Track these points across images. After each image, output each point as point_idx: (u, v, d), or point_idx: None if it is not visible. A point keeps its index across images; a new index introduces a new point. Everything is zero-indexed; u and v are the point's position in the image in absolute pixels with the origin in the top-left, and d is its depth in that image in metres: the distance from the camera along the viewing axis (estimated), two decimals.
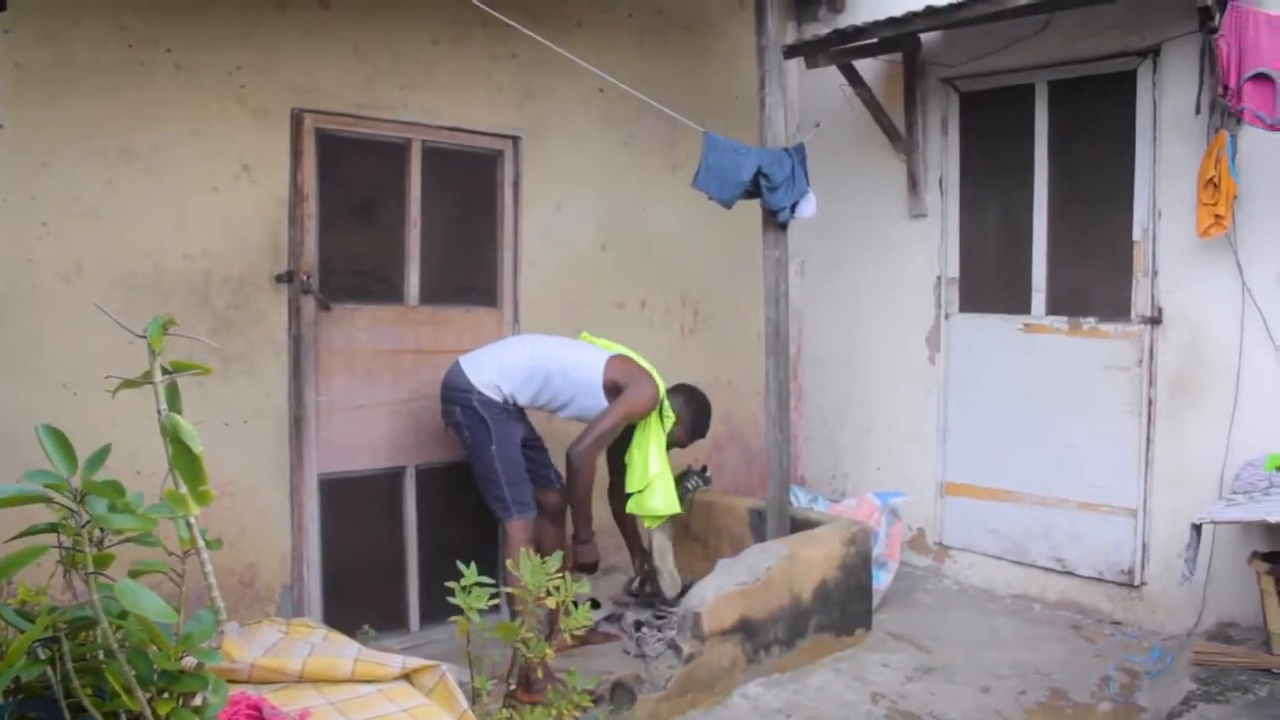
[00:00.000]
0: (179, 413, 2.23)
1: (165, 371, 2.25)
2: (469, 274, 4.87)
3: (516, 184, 4.92)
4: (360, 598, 4.47)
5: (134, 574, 2.29)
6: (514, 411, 4.33)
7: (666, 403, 4.62)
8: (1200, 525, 4.02)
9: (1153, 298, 4.77)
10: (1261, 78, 4.02)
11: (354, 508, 4.50)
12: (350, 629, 4.13)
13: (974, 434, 5.44)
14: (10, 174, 3.65)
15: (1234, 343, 4.53)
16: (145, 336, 2.22)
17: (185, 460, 2.09)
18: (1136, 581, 4.86)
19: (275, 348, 4.24)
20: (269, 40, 4.18)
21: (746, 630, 4.17)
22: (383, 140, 4.53)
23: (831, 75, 5.53)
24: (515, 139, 4.91)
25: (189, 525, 2.17)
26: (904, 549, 5.63)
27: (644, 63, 5.28)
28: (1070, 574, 5.09)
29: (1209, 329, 4.62)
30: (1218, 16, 4.17)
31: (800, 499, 5.31)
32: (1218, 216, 4.39)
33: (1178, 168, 4.64)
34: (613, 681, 4.05)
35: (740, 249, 5.20)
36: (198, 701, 2.19)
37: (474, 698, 2.85)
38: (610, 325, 5.25)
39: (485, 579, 2.89)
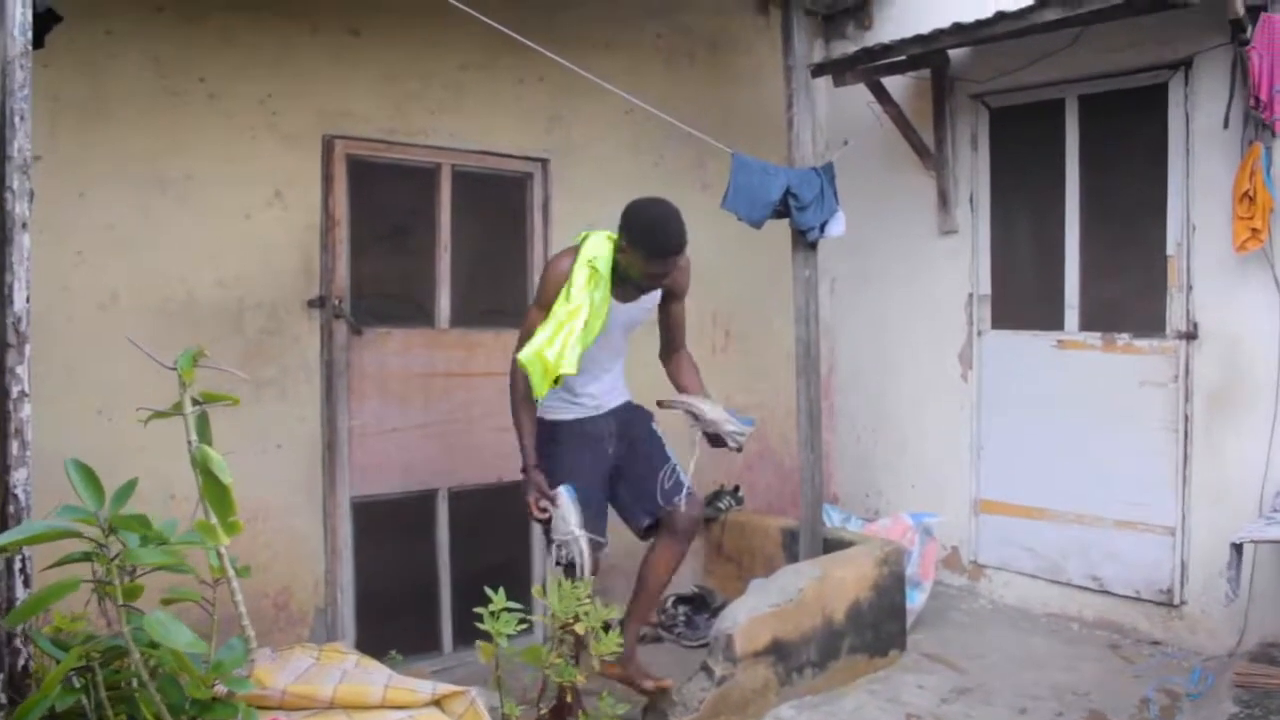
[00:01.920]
0: (209, 443, 2.27)
1: (195, 403, 2.29)
2: (499, 296, 4.90)
3: (546, 206, 4.95)
4: (393, 620, 4.49)
5: (166, 602, 2.33)
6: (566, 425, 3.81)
7: (594, 241, 3.71)
8: (1241, 545, 3.96)
9: (1188, 313, 4.71)
10: None
11: (387, 530, 4.53)
12: (383, 651, 4.15)
13: (1008, 451, 5.39)
14: (47, 204, 3.67)
15: (1273, 357, 4.45)
16: (176, 369, 2.25)
17: (215, 491, 2.12)
18: (1175, 601, 4.79)
19: (308, 372, 4.28)
20: (300, 67, 4.23)
21: (779, 652, 4.15)
22: (413, 165, 4.57)
23: (860, 92, 5.52)
24: (544, 161, 4.94)
25: (219, 555, 2.20)
26: (938, 568, 5.58)
27: (672, 83, 5.30)
28: (1107, 593, 5.02)
29: (1247, 344, 4.55)
30: (1250, 28, 4.13)
31: (833, 518, 5.28)
32: (1254, 230, 4.34)
33: (1211, 181, 4.58)
34: (644, 705, 4.05)
35: (772, 268, 5.19)
36: None
37: None
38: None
39: (513, 604, 2.90)
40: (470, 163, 4.71)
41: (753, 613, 4.11)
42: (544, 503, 3.64)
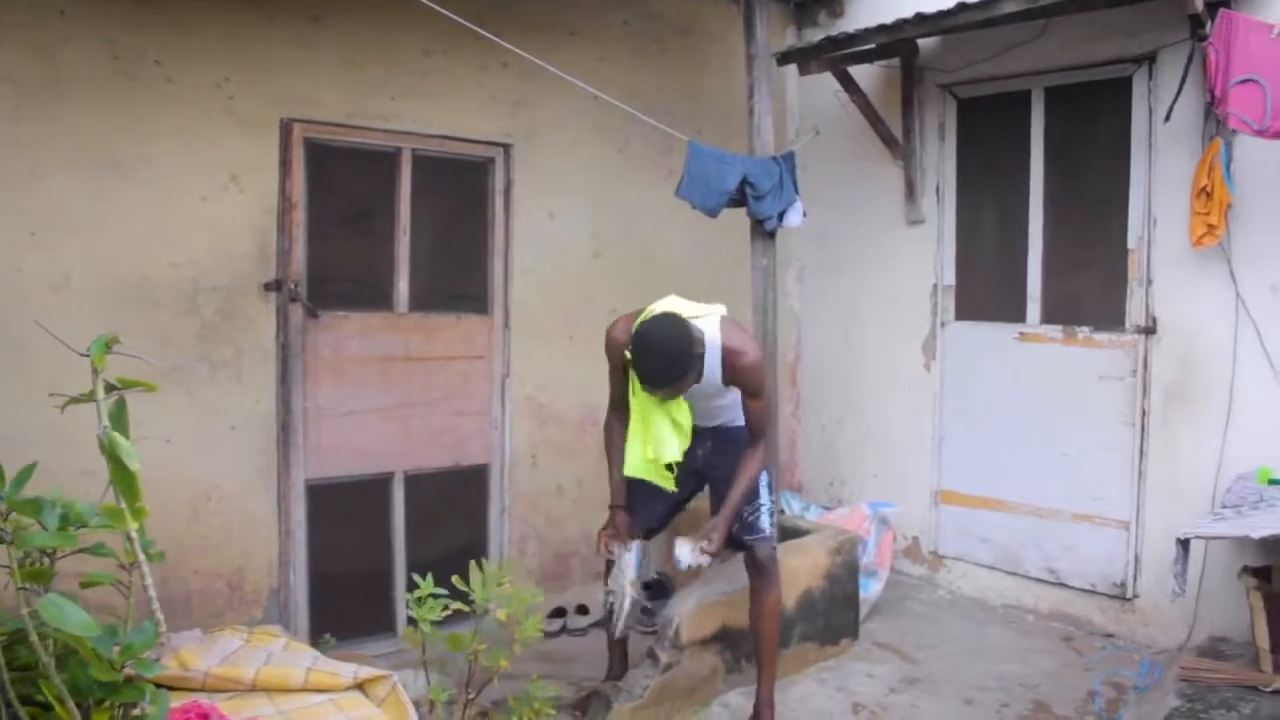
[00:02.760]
0: (126, 428, 2.28)
1: (111, 388, 2.30)
2: (460, 281, 4.91)
3: (508, 191, 4.95)
4: (347, 603, 4.53)
5: (84, 585, 2.36)
6: None
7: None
8: (1188, 540, 3.97)
9: (1147, 307, 4.72)
10: (1250, 83, 3.97)
11: (342, 513, 4.56)
12: (337, 634, 4.21)
13: (969, 442, 5.40)
14: (0, 184, 3.74)
15: (1228, 353, 4.47)
16: (88, 355, 2.27)
17: (123, 477, 2.14)
18: (1129, 594, 4.81)
19: (264, 354, 4.30)
20: (259, 52, 4.23)
21: (727, 639, 4.17)
22: (373, 149, 4.57)
23: (830, 82, 5.51)
24: (507, 147, 4.94)
25: (130, 539, 2.22)
26: (898, 557, 5.62)
27: (639, 70, 5.29)
28: (1063, 585, 5.04)
29: (1203, 339, 4.56)
30: (1209, 24, 4.12)
31: (793, 507, 5.31)
32: (1210, 226, 4.34)
33: (1174, 176, 4.58)
34: (589, 691, 4.08)
35: (738, 257, 5.16)
36: (138, 712, 2.24)
37: (430, 707, 2.88)
38: (603, 333, 5.26)
39: (439, 590, 2.93)
40: (431, 147, 4.71)
41: (701, 600, 4.14)
42: (613, 545, 3.75)
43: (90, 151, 3.90)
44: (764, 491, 3.89)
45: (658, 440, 3.55)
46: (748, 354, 3.49)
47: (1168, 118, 4.47)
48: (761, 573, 3.86)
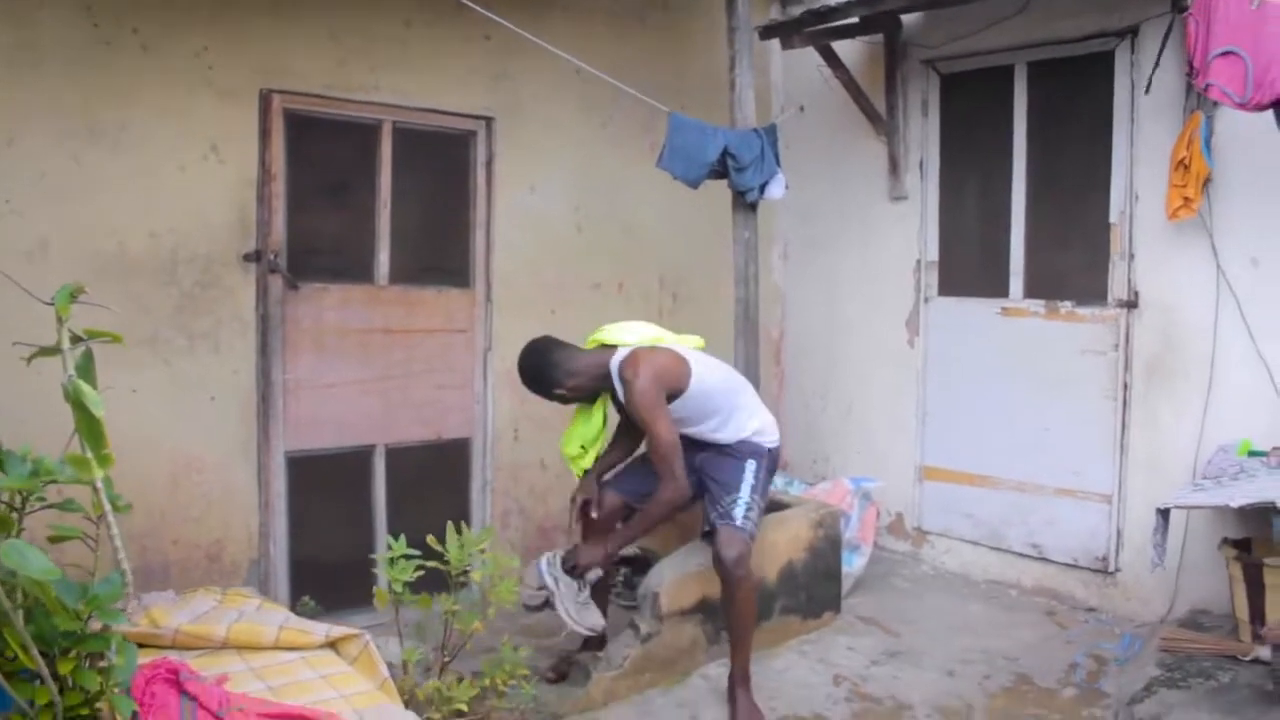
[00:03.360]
0: (93, 380, 2.26)
1: (76, 339, 2.29)
2: (441, 254, 4.90)
3: (490, 165, 4.93)
4: (328, 575, 4.51)
5: (53, 539, 2.34)
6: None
7: None
8: (1167, 510, 3.97)
9: (1129, 281, 4.72)
10: (1231, 55, 3.96)
11: (323, 485, 4.55)
12: (316, 605, 4.18)
13: (952, 418, 5.40)
14: None
15: (1208, 327, 4.47)
16: (53, 304, 2.25)
17: (88, 424, 2.12)
18: (1111, 568, 4.82)
19: (243, 325, 4.28)
20: (238, 22, 4.20)
21: (707, 611, 4.17)
22: (353, 121, 4.55)
23: (813, 58, 5.51)
24: (489, 120, 4.92)
25: (96, 489, 2.21)
26: (882, 534, 5.62)
27: (622, 45, 5.27)
28: (1046, 560, 5.05)
29: (1184, 313, 4.56)
30: None
31: (776, 483, 5.29)
32: (1187, 199, 4.35)
33: (1155, 150, 4.57)
34: (564, 654, 4.09)
35: (721, 232, 5.16)
36: (105, 663, 2.23)
37: (404, 668, 2.87)
38: (587, 307, 5.26)
39: (413, 551, 2.92)
40: (413, 119, 4.68)
41: (680, 571, 4.13)
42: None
43: (67, 119, 3.87)
44: (746, 488, 3.90)
45: (569, 434, 4.14)
46: (631, 384, 3.72)
47: (1147, 89, 4.48)
48: (720, 563, 3.73)
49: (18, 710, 2.11)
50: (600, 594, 4.09)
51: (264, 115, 4.28)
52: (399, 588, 2.84)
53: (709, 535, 3.89)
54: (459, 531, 3.11)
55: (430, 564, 2.96)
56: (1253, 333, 4.35)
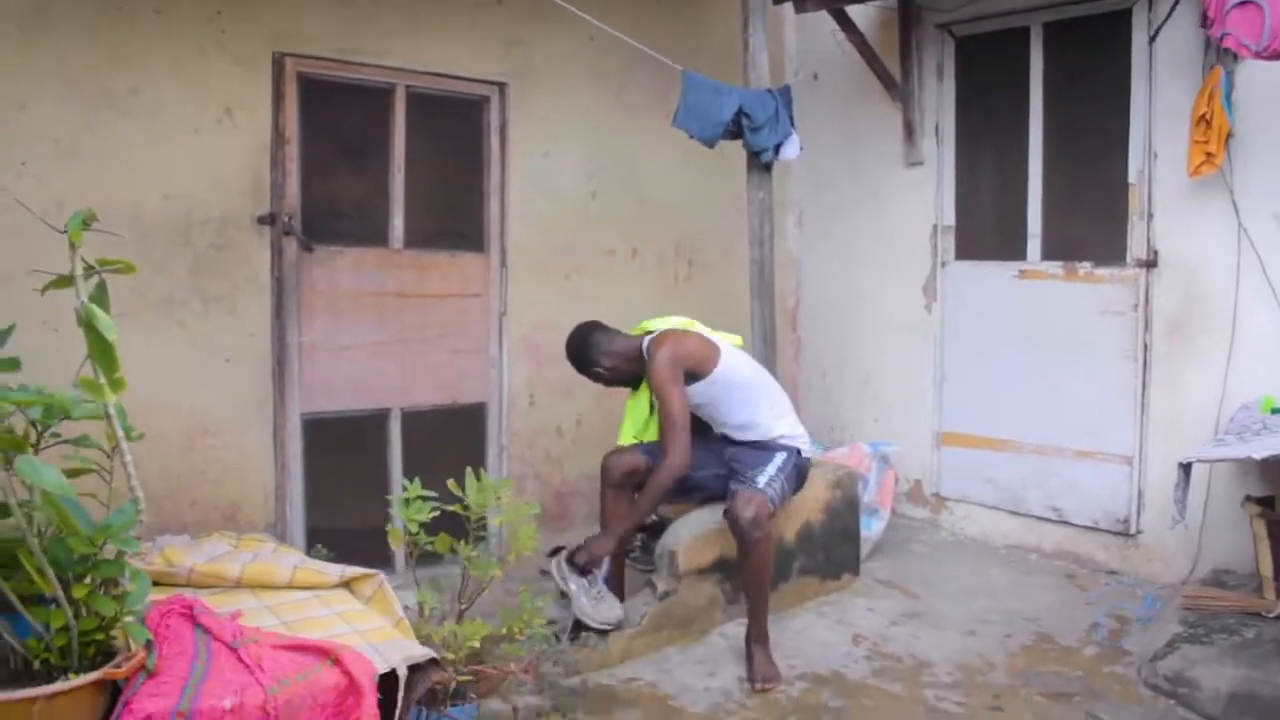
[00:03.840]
0: (107, 308, 2.27)
1: (89, 268, 2.29)
2: (455, 219, 4.90)
3: (503, 131, 4.92)
4: (345, 537, 4.47)
5: (69, 473, 2.34)
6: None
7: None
8: (1189, 465, 3.94)
9: (1148, 241, 4.67)
10: (1249, 5, 3.91)
11: (338, 448, 4.55)
12: (330, 555, 4.18)
13: (970, 383, 5.36)
14: None
15: (1230, 285, 4.42)
16: (65, 231, 2.26)
17: (100, 348, 2.12)
18: (1132, 530, 4.77)
19: (258, 288, 4.28)
20: None
21: (725, 570, 4.16)
22: (366, 85, 4.55)
23: (827, 22, 5.47)
24: (502, 86, 4.91)
25: (108, 415, 2.21)
26: (900, 501, 5.59)
27: (637, 11, 5.24)
28: (1066, 523, 5.01)
29: (1205, 271, 4.51)
30: None
31: None
32: (1209, 154, 4.29)
33: (1174, 108, 4.53)
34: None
35: (736, 200, 5.13)
36: (118, 591, 2.23)
37: (420, 610, 2.87)
38: (601, 273, 5.26)
39: (429, 493, 2.91)
40: (426, 84, 4.68)
41: (698, 530, 4.12)
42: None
43: (79, 83, 3.88)
44: (773, 467, 3.94)
45: (623, 428, 4.31)
46: (653, 356, 3.91)
47: (1153, 38, 4.42)
48: (736, 522, 3.75)
49: (34, 634, 2.12)
50: (616, 561, 4.10)
51: (277, 79, 4.28)
52: (414, 528, 2.83)
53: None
54: (478, 478, 3.10)
55: (448, 507, 2.95)
56: (1275, 288, 4.30)
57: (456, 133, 4.89)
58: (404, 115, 4.62)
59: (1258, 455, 3.75)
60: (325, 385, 4.45)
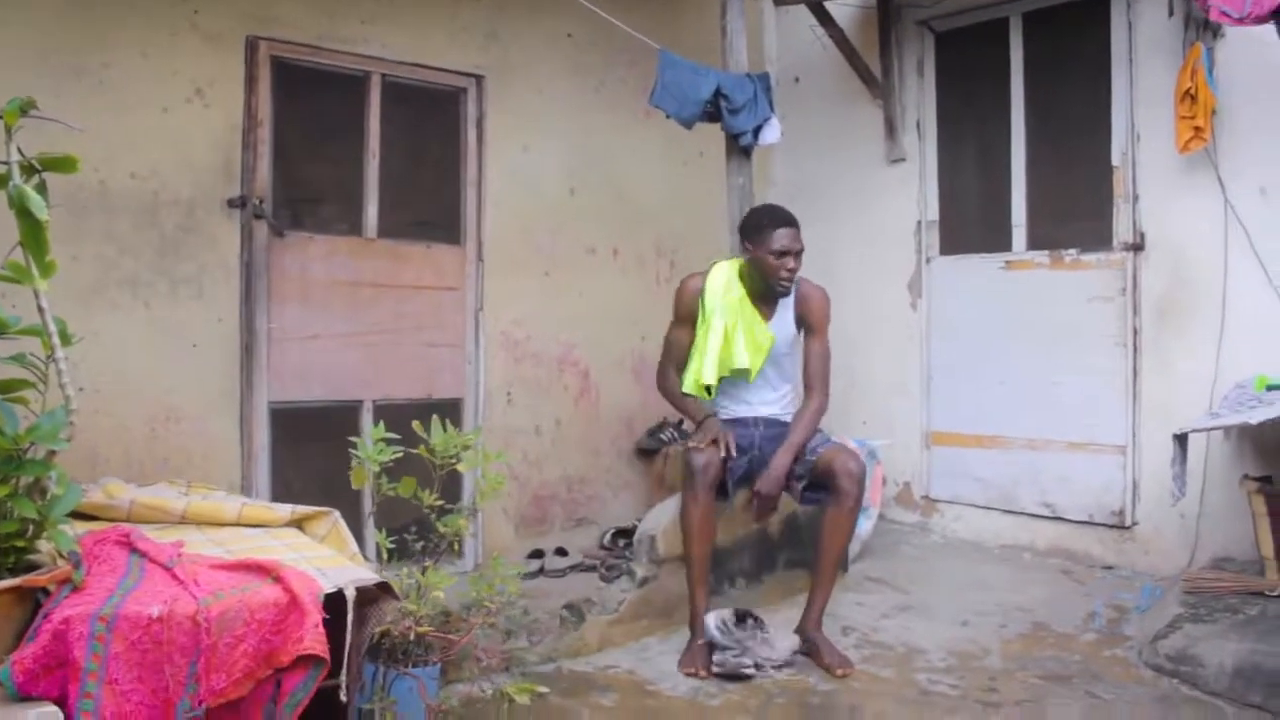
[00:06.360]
0: (45, 196, 2.17)
1: (31, 167, 2.20)
2: (430, 210, 4.81)
3: (480, 124, 4.87)
4: None
5: (4, 389, 2.22)
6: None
7: (720, 269, 4.01)
8: (1184, 436, 3.83)
9: (1134, 223, 4.61)
10: None
11: (308, 439, 4.40)
12: None
13: (958, 380, 5.26)
14: None
15: (1218, 262, 4.36)
16: None
17: (31, 231, 2.02)
18: (1128, 522, 4.64)
19: (226, 272, 4.18)
20: None
21: (710, 556, 3.99)
22: (342, 71, 4.49)
23: (806, 17, 5.48)
24: (479, 78, 4.86)
25: (40, 305, 2.10)
26: (889, 504, 5.44)
27: (614, 9, 5.23)
28: (1060, 519, 4.87)
29: (1192, 251, 4.45)
30: None
31: None
32: (1197, 129, 4.26)
33: (1155, 88, 4.51)
34: (565, 603, 3.91)
35: (718, 202, 5.08)
36: (49, 497, 2.09)
37: (377, 555, 2.73)
38: (581, 271, 5.17)
39: (392, 435, 2.80)
40: (402, 74, 4.62)
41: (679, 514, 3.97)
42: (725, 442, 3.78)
43: (49, 56, 3.81)
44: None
45: (700, 364, 3.85)
46: (820, 290, 4.03)
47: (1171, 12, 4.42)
48: (844, 479, 3.70)
49: None
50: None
51: (250, 62, 4.22)
52: (375, 467, 2.70)
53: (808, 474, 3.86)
54: (444, 428, 2.98)
55: (413, 451, 2.84)
56: (1264, 264, 4.23)
57: (433, 124, 4.83)
58: (379, 104, 4.56)
59: (1254, 420, 3.66)
60: (295, 375, 4.33)
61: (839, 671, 3.56)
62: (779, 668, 3.58)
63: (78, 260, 3.79)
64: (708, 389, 3.88)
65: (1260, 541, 3.98)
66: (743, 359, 3.84)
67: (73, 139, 3.83)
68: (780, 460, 3.80)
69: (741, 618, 3.64)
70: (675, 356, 4.01)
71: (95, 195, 3.90)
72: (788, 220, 3.90)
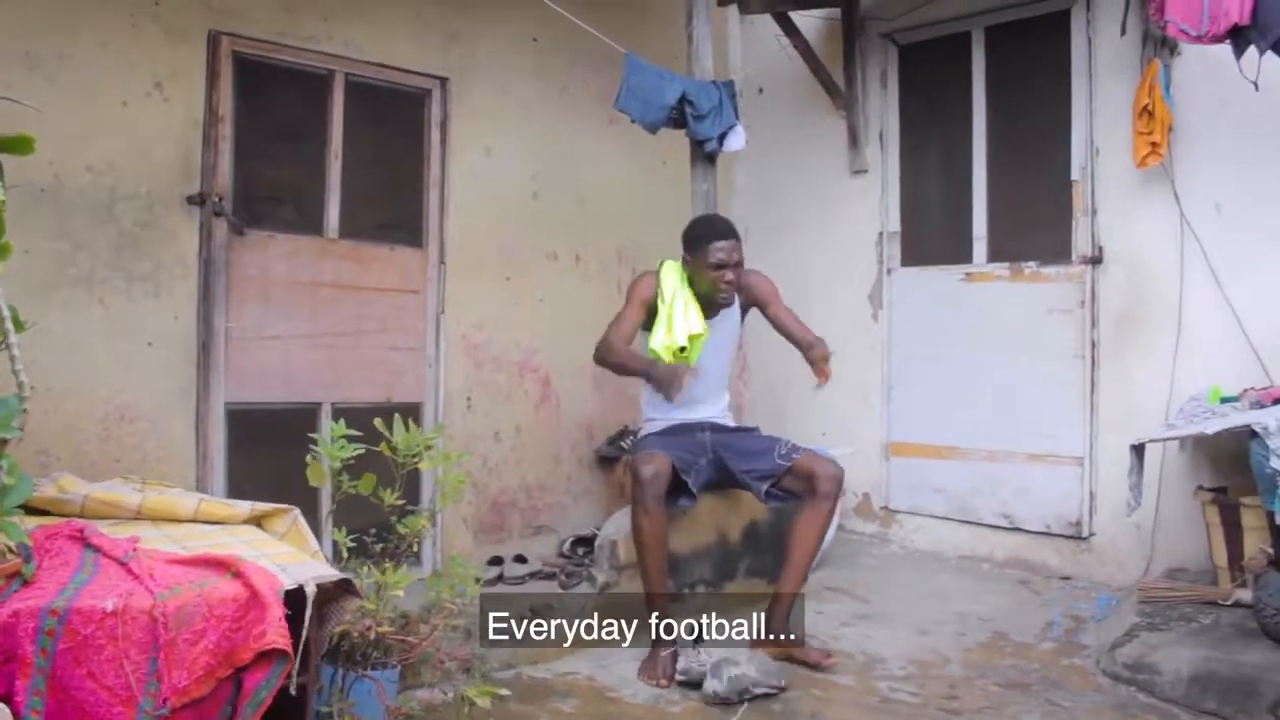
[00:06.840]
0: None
1: None
2: (393, 211, 4.75)
3: (444, 126, 4.83)
4: None
5: None
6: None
7: (670, 269, 4.04)
8: (1141, 446, 3.88)
9: (1093, 237, 4.67)
10: None
11: (265, 441, 4.32)
12: None
13: (918, 391, 5.29)
14: None
15: (1175, 276, 4.43)
16: None
17: None
18: (1085, 533, 4.68)
19: (184, 269, 4.10)
20: None
21: (670, 563, 3.97)
22: (305, 69, 4.44)
23: (772, 27, 5.49)
24: (444, 80, 4.82)
25: None
26: (849, 515, 5.46)
27: (580, 12, 5.22)
28: (1019, 530, 4.91)
29: (1149, 264, 4.51)
30: None
31: None
32: (1154, 144, 4.33)
33: (1114, 104, 4.58)
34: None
35: (682, 209, 5.10)
36: None
37: (335, 554, 2.68)
38: (543, 276, 5.15)
39: (354, 432, 2.76)
40: (366, 74, 4.58)
41: None
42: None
43: (5, 45, 3.74)
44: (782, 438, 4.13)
45: (682, 318, 3.90)
46: (759, 272, 4.12)
47: (1123, 31, 4.49)
48: (825, 482, 3.80)
49: None
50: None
51: (212, 57, 4.16)
52: (337, 464, 2.66)
53: (772, 473, 3.90)
54: (406, 427, 2.94)
55: (374, 449, 2.79)
56: (1218, 278, 4.30)
57: (396, 125, 4.78)
58: (342, 103, 4.51)
59: (1210, 430, 3.71)
60: (253, 375, 4.26)
61: (826, 663, 3.61)
62: (781, 689, 3.44)
63: (31, 255, 3.69)
64: (682, 350, 3.88)
65: (1214, 551, 4.03)
66: (694, 323, 3.91)
67: (27, 128, 3.78)
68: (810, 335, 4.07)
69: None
70: (621, 330, 3.93)
71: (50, 190, 3.81)
72: (725, 233, 3.93)
